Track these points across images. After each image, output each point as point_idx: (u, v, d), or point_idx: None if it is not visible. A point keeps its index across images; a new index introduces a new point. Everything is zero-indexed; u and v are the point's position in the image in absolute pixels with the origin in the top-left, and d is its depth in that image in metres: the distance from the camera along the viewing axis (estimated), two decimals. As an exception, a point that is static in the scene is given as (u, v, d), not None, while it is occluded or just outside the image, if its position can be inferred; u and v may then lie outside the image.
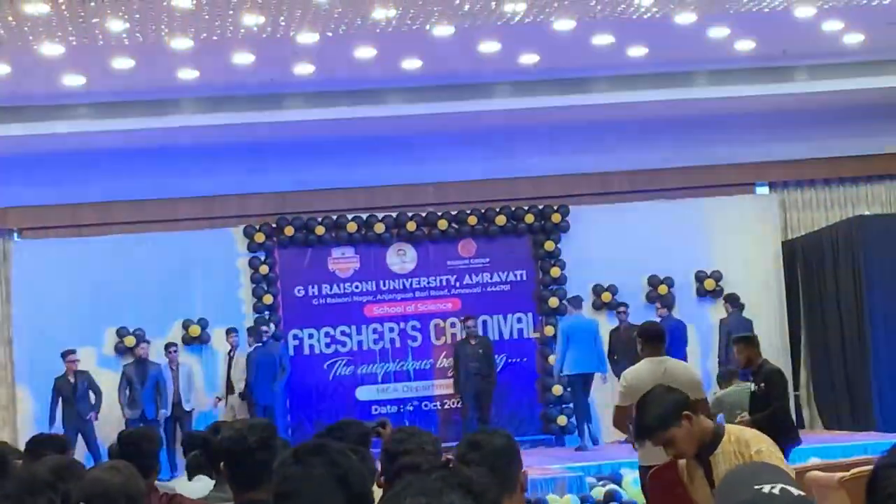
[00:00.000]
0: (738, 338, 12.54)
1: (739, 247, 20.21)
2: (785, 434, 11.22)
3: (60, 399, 18.14)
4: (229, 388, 18.82)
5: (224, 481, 5.65)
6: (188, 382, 18.77)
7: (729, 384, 14.51)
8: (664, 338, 9.98)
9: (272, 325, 19.31)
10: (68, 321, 18.97)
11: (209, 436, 7.03)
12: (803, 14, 15.49)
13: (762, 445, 5.99)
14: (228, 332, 19.06)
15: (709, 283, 20.21)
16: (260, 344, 18.60)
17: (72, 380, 18.19)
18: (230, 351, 19.01)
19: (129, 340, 18.95)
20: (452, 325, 20.01)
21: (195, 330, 19.43)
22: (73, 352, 18.32)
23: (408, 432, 5.15)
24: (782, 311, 20.18)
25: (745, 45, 17.46)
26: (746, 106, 19.35)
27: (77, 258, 19.24)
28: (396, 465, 4.94)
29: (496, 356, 19.50)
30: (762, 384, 11.65)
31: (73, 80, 16.73)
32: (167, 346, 18.87)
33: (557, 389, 19.66)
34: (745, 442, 6.02)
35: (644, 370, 9.47)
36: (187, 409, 18.63)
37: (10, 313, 19.34)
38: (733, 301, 19.61)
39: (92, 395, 18.22)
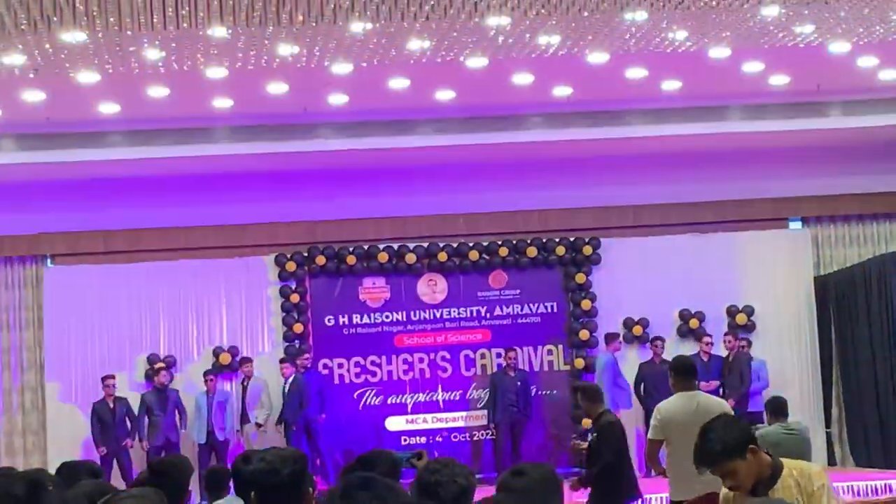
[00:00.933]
0: (575, 387, 12.19)
1: (771, 282, 20.14)
2: (615, 491, 10.98)
3: (100, 423, 18.28)
4: (243, 418, 18.86)
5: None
6: (223, 410, 18.79)
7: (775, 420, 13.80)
8: (696, 372, 9.94)
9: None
10: (99, 347, 19.07)
11: (239, 465, 7.01)
12: (838, 50, 15.44)
13: (825, 481, 5.88)
14: (242, 361, 19.09)
15: (740, 318, 20.12)
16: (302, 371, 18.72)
17: (111, 405, 18.31)
18: (244, 380, 19.04)
19: (160, 367, 18.98)
20: (483, 356, 19.98)
21: (225, 358, 19.46)
22: (112, 377, 18.44)
23: (441, 463, 5.11)
24: (814, 347, 20.07)
25: (779, 80, 17.42)
26: (780, 141, 19.29)
27: (109, 284, 19.32)
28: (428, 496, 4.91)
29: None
30: (596, 436, 11.23)
31: (108, 108, 16.81)
32: (205, 374, 18.89)
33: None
34: (809, 476, 5.88)
35: (677, 404, 9.43)
36: (220, 438, 18.62)
37: (42, 339, 19.40)
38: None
39: (128, 422, 18.31)
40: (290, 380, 18.68)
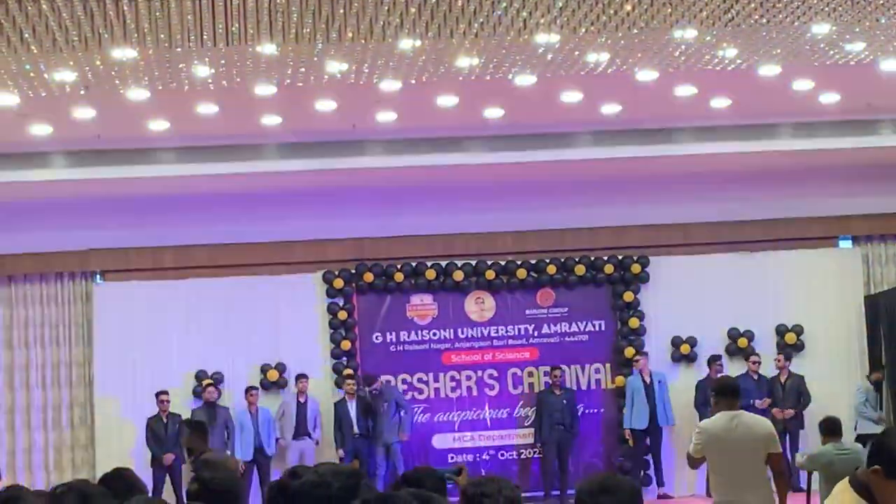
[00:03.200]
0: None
1: (821, 301, 20.01)
2: None
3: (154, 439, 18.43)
4: (298, 433, 18.88)
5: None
6: (269, 426, 18.85)
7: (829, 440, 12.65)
8: (738, 393, 9.89)
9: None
10: (148, 363, 19.14)
11: (286, 480, 7.00)
12: (888, 67, 15.32)
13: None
14: (298, 377, 19.13)
15: (790, 338, 20.00)
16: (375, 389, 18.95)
17: (164, 420, 18.43)
18: (299, 395, 19.06)
19: (208, 383, 19.04)
20: (530, 374, 19.94)
21: (273, 374, 19.50)
22: (166, 393, 18.58)
23: (487, 478, 5.11)
24: (864, 367, 19.90)
25: (829, 98, 17.31)
26: (830, 159, 19.16)
27: (157, 301, 19.42)
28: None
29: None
30: None
31: (158, 125, 16.89)
32: (247, 390, 18.97)
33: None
34: None
35: (719, 423, 9.41)
36: (269, 453, 18.68)
37: (93, 355, 19.50)
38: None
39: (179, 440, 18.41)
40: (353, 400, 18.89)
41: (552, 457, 19.15)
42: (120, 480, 6.57)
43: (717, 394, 9.80)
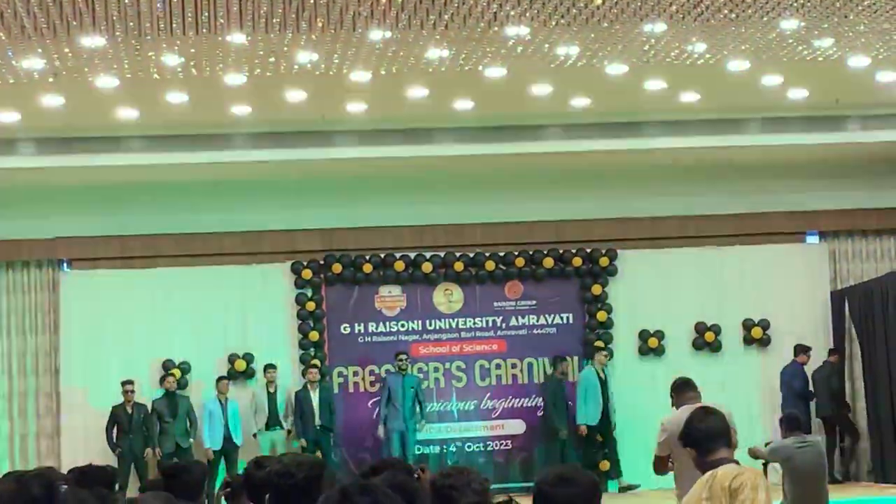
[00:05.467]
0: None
1: (788, 296, 20.10)
2: None
3: (116, 427, 18.39)
4: (270, 423, 18.86)
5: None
6: (238, 416, 18.83)
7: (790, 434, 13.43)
8: (692, 384, 10.04)
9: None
10: (115, 352, 19.07)
11: (251, 470, 7.00)
12: (857, 64, 15.42)
13: (750, 482, 5.98)
14: (267, 368, 19.09)
15: (756, 332, 20.09)
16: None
17: (129, 410, 18.41)
18: (268, 385, 19.03)
19: (176, 373, 19.00)
20: (498, 366, 19.97)
21: (241, 364, 19.48)
22: (131, 382, 18.53)
23: (456, 469, 5.11)
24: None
25: (797, 94, 17.39)
26: (798, 154, 19.27)
27: (125, 290, 19.34)
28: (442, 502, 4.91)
29: (541, 399, 19.67)
30: None
31: (127, 113, 16.84)
32: (218, 380, 18.94)
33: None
34: (734, 476, 6.01)
35: (680, 417, 9.44)
36: (238, 443, 18.67)
37: (59, 343, 19.42)
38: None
39: (145, 428, 18.39)
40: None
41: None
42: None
43: (674, 394, 9.99)
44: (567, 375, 19.64)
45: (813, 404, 19.15)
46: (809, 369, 19.44)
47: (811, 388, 19.28)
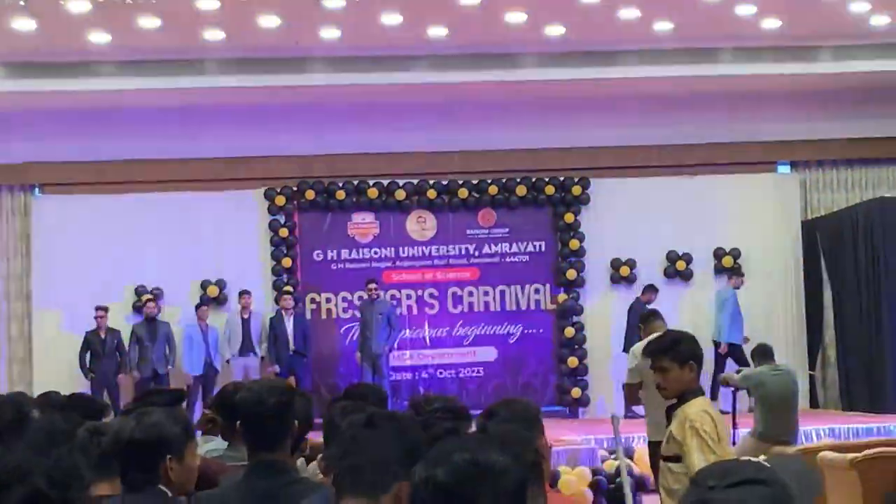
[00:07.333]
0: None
1: (759, 225, 20.18)
2: None
3: (90, 353, 18.41)
4: (243, 349, 18.91)
5: (239, 441, 5.68)
6: (217, 343, 18.89)
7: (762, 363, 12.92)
8: (659, 315, 10.23)
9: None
10: (88, 278, 19.05)
11: (224, 397, 7.04)
12: (831, -6, 15.43)
13: (700, 425, 6.36)
14: (241, 294, 19.12)
15: (727, 261, 20.19)
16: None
17: (102, 335, 18.42)
18: (242, 311, 19.06)
19: (148, 298, 19.01)
20: (470, 294, 20.04)
21: (213, 290, 19.51)
22: (104, 308, 18.52)
23: (431, 397, 5.16)
24: (800, 290, 20.17)
25: (771, 24, 17.38)
26: (771, 84, 19.29)
27: (98, 215, 19.29)
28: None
29: (513, 327, 19.74)
30: None
31: (99, 38, 16.73)
32: (198, 306, 18.98)
33: (573, 361, 19.72)
34: (687, 415, 6.42)
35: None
36: (218, 368, 18.75)
37: (31, 268, 19.41)
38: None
39: (118, 354, 18.43)
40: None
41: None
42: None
43: (642, 325, 10.18)
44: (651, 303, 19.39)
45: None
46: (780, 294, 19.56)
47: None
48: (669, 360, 6.58)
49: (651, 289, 19.30)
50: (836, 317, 19.65)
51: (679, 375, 6.53)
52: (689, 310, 19.25)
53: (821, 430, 15.92)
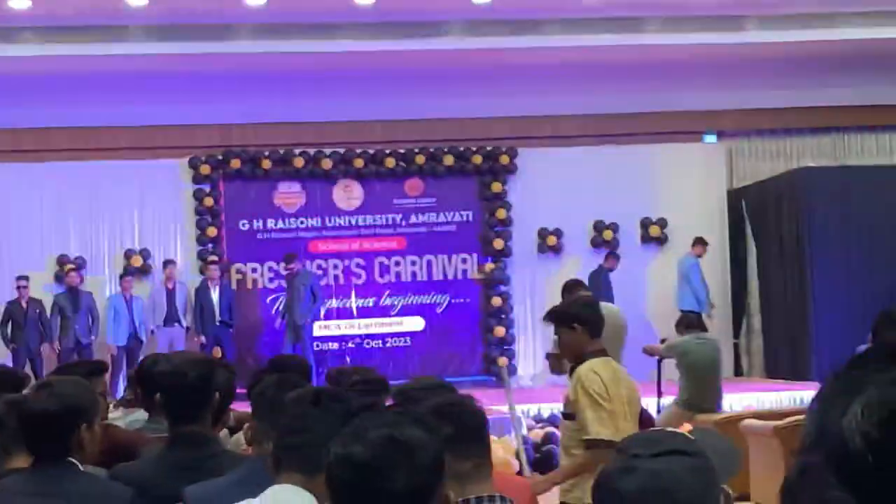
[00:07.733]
0: None
1: (686, 194, 20.26)
2: None
3: (11, 324, 18.18)
4: (168, 320, 18.75)
5: (160, 413, 5.60)
6: (142, 313, 18.73)
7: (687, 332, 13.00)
8: (583, 284, 10.36)
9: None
10: (8, 247, 18.81)
11: (144, 369, 6.95)
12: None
13: (583, 384, 6.52)
14: (166, 263, 18.96)
15: (654, 230, 20.27)
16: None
17: (24, 306, 18.19)
18: (167, 281, 18.90)
19: (70, 268, 18.78)
20: (397, 263, 20.00)
21: (137, 260, 19.32)
22: (25, 278, 18.30)
23: (346, 370, 5.13)
24: (725, 259, 20.29)
25: (699, -8, 17.41)
26: (697, 53, 19.29)
27: (17, 184, 19.02)
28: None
29: (440, 296, 19.73)
30: None
31: (19, 3, 16.45)
32: (122, 276, 18.80)
33: (500, 331, 19.75)
34: (579, 375, 6.58)
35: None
36: (143, 339, 18.58)
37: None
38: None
39: (41, 325, 18.23)
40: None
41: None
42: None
43: (563, 291, 10.32)
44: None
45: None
46: (706, 264, 19.65)
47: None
48: (558, 325, 6.79)
49: (613, 256, 19.38)
50: (761, 285, 19.82)
51: (569, 339, 6.68)
52: (616, 278, 19.26)
53: (744, 397, 16.06)
